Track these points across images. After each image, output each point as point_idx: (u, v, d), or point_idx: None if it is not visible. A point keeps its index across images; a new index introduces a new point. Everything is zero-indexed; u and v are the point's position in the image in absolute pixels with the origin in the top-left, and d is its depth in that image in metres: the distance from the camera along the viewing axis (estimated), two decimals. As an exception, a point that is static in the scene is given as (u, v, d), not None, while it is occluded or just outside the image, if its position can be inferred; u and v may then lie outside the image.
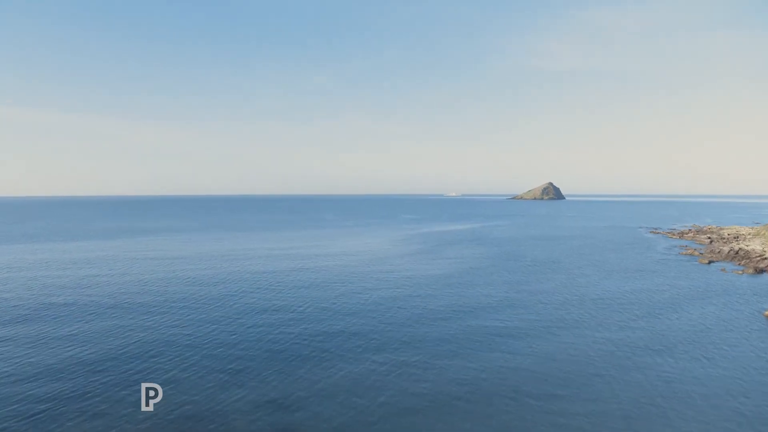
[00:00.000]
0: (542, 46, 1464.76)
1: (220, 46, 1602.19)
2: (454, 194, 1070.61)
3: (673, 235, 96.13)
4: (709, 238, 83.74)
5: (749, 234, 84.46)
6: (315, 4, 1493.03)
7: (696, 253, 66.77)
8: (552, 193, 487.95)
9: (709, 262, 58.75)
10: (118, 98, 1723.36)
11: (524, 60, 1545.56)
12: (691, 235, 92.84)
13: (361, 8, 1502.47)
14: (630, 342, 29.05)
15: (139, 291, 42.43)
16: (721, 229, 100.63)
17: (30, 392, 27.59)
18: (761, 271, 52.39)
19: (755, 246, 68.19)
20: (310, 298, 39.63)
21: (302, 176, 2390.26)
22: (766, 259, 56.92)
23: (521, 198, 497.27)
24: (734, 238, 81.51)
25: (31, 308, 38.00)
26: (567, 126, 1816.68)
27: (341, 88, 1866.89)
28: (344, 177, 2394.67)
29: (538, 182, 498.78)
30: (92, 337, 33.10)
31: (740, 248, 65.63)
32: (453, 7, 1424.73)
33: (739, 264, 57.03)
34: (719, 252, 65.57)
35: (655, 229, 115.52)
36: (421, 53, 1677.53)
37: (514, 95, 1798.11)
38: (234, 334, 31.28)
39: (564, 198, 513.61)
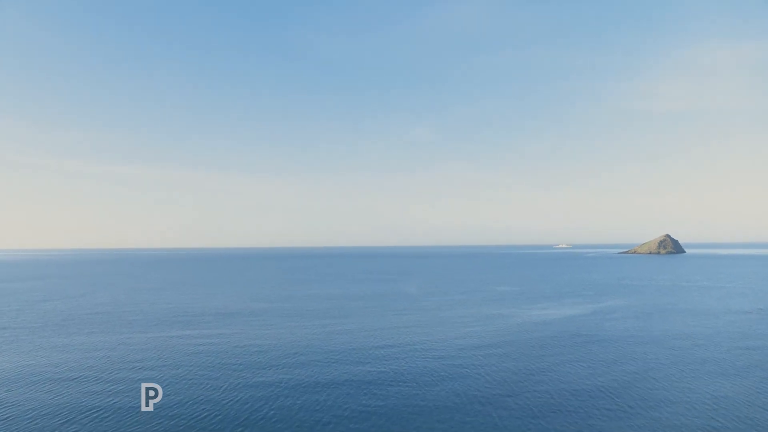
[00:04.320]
0: (647, 86, 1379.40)
1: (314, 98, 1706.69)
2: (563, 246, 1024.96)
3: None
4: None
5: None
6: (416, 59, 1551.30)
7: None
8: (670, 246, 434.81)
9: None
10: (208, 151, 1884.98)
11: (627, 102, 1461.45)
12: None
13: (459, 59, 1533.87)
14: None
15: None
16: None
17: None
18: None
19: None
20: None
21: (401, 228, 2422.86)
22: None
23: (635, 252, 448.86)
24: None
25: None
26: (680, 169, 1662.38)
27: (440, 139, 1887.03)
28: (445, 227, 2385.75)
29: (649, 227, 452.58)
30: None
31: None
32: (552, 54, 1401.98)
33: None
34: None
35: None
36: (519, 101, 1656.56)
37: (619, 138, 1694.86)
38: None
39: (684, 251, 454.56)
